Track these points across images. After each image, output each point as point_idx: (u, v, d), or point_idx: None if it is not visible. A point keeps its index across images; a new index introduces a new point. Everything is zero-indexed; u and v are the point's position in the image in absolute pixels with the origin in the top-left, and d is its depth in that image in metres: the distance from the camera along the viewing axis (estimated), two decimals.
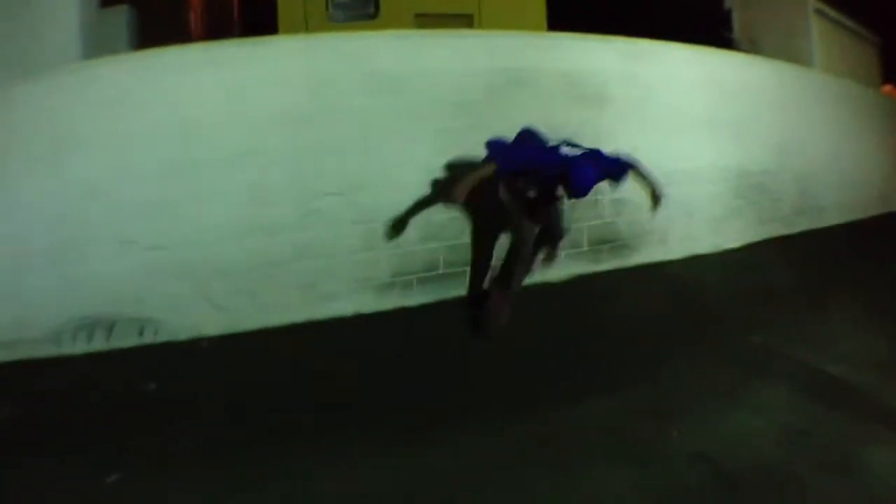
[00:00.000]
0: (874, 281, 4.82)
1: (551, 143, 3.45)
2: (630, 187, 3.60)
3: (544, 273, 4.14)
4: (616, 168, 3.33)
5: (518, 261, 3.65)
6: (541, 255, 3.81)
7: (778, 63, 6.21)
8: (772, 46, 9.16)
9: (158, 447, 2.96)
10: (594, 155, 3.28)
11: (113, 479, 2.80)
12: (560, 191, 3.41)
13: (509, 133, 3.60)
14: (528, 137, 3.58)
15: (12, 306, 3.36)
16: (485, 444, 2.95)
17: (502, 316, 3.75)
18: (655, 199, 3.38)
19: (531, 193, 3.47)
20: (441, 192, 3.23)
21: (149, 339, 3.57)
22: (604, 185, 3.51)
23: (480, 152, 3.96)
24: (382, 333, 3.78)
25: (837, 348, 3.70)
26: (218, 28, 7.86)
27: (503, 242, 3.98)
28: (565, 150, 3.32)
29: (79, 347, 3.48)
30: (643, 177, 3.39)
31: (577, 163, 3.19)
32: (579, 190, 3.18)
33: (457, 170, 3.91)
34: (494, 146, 3.65)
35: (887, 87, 12.14)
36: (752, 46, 9.13)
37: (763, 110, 5.60)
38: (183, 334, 3.62)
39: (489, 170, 3.24)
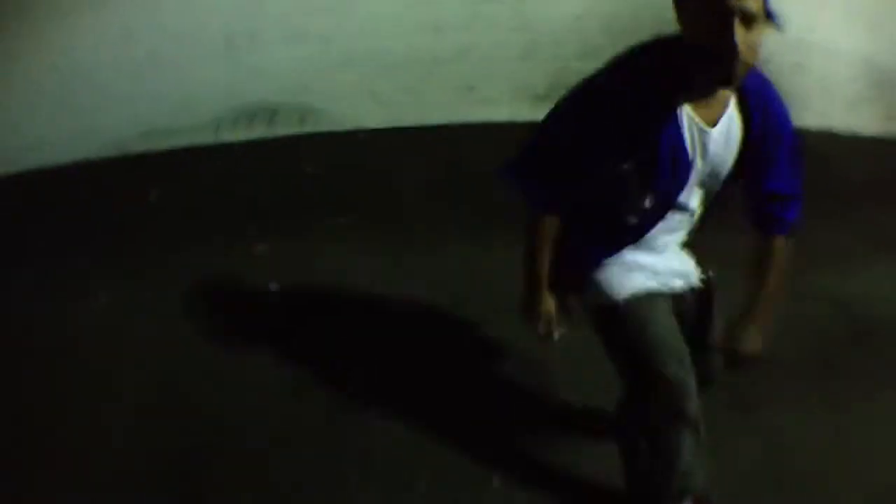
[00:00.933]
0: None
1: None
2: None
3: None
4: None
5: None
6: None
7: None
8: None
9: (309, 225, 3.05)
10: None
11: (261, 250, 2.95)
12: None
13: None
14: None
15: (176, 96, 3.44)
16: None
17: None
18: None
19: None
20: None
21: (310, 128, 3.60)
22: None
23: None
24: None
25: None
26: None
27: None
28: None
29: (239, 135, 3.55)
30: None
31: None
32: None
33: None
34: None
35: None
36: None
37: None
38: (344, 125, 3.64)
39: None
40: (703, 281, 1.67)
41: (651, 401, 1.54)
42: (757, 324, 1.61)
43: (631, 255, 1.58)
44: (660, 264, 1.59)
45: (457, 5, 3.61)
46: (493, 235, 2.83)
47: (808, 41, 4.45)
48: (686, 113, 1.38)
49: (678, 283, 1.63)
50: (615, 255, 1.57)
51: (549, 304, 1.68)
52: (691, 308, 1.68)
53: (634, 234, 1.55)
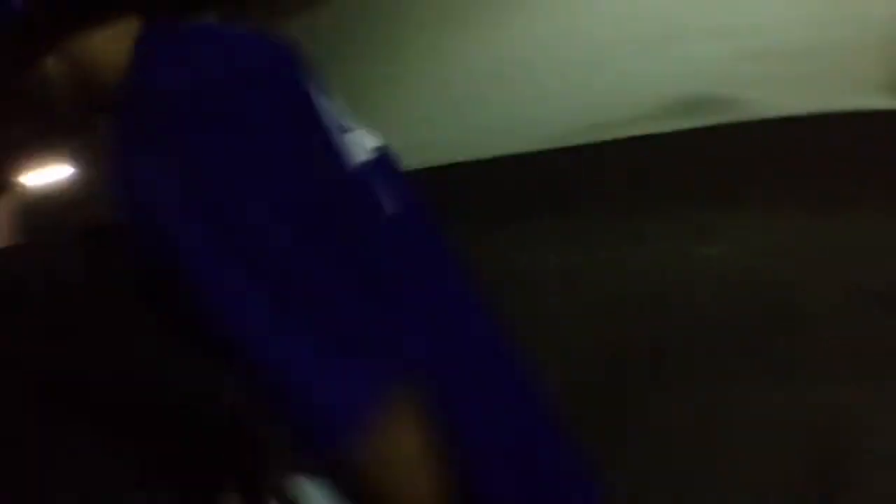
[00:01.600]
0: None
1: None
2: None
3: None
4: None
5: None
6: None
7: None
8: None
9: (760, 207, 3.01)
10: None
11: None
12: None
13: None
14: None
15: (614, 90, 3.67)
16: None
17: None
18: None
19: None
20: None
21: (735, 117, 3.60)
22: None
23: None
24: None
25: None
26: None
27: None
28: None
29: (669, 126, 3.59)
30: None
31: None
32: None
33: None
34: None
35: None
36: None
37: None
38: (769, 113, 3.53)
39: None
40: None
41: None
42: None
43: None
44: None
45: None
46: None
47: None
48: None
49: None
50: None
51: None
52: None
53: None
